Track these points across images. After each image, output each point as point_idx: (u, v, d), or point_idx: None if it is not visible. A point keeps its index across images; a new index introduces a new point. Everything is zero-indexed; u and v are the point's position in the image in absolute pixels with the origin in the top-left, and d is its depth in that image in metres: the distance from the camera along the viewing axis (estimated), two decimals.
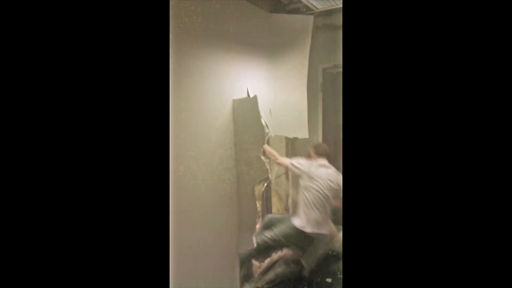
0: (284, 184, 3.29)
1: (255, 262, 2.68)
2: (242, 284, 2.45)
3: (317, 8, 2.54)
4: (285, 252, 2.87)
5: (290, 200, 3.24)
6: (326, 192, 2.46)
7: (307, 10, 2.57)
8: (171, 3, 1.54)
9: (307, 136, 2.70)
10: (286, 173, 3.22)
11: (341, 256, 2.78)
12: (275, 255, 2.84)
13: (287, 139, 3.14)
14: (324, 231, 2.50)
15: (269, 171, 2.08)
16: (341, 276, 2.64)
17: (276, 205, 3.33)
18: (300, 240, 2.48)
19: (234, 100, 2.14)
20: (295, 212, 2.64)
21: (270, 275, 2.68)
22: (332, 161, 2.59)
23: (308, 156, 2.66)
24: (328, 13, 2.72)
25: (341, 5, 2.51)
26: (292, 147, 3.22)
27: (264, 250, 2.49)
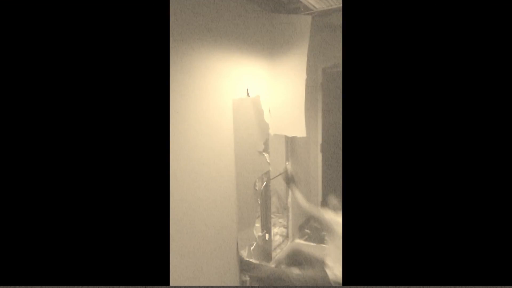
0: (283, 183, 3.28)
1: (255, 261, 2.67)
2: (241, 281, 2.44)
3: (316, 8, 2.54)
4: None
5: (289, 200, 3.24)
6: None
7: (306, 10, 2.57)
8: (171, 2, 1.54)
9: (304, 135, 2.70)
10: (286, 173, 3.22)
11: None
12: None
13: (287, 138, 3.14)
14: None
15: (269, 169, 2.06)
16: None
17: (275, 204, 3.33)
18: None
19: (234, 100, 2.14)
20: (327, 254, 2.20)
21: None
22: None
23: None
24: (328, 12, 2.72)
25: (340, 5, 2.51)
26: (292, 147, 3.23)
27: (281, 282, 2.16)
